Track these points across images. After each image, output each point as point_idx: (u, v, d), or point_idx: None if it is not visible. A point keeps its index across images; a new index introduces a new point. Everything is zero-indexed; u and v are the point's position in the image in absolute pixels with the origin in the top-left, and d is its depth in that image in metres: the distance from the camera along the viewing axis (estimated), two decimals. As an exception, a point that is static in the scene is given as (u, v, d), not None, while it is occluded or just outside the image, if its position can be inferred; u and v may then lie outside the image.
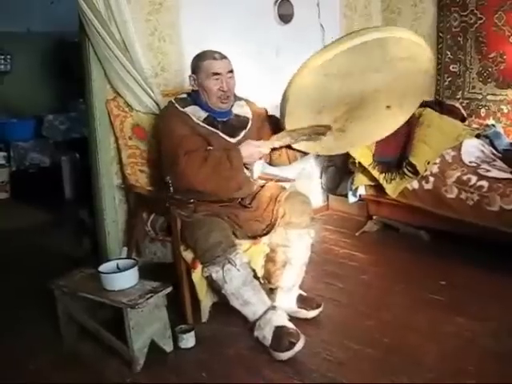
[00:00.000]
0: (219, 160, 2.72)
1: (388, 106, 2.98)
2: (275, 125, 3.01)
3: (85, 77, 3.33)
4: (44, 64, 6.74)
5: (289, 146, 3.02)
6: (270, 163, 3.18)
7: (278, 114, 2.94)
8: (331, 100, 2.81)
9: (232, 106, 2.98)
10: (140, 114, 3.33)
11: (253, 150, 2.79)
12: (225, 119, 2.93)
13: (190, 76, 2.94)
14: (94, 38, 3.09)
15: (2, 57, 6.46)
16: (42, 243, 4.33)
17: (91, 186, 3.50)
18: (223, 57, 2.88)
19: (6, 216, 5.21)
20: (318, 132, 2.93)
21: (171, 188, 2.76)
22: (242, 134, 2.95)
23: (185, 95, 2.99)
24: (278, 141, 2.90)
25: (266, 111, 3.19)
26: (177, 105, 2.91)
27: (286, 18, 4.34)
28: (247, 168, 2.87)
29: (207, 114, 2.89)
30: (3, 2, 6.08)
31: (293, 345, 2.58)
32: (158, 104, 3.28)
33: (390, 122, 3.19)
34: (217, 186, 2.77)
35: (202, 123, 2.86)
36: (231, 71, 2.89)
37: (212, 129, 2.87)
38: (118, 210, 3.43)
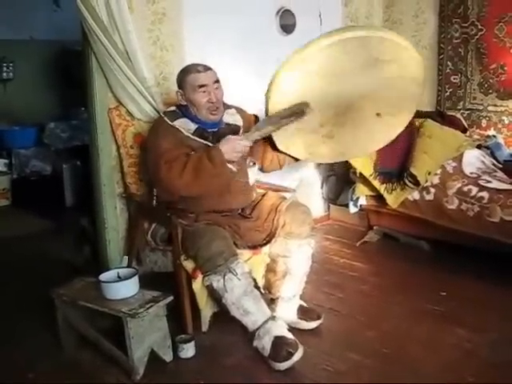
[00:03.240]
0: (199, 162, 2.67)
1: (378, 114, 2.92)
2: None
3: (87, 85, 3.35)
4: (46, 72, 6.75)
5: (278, 151, 3.02)
6: (262, 170, 3.19)
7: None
8: (315, 101, 2.77)
9: (222, 115, 2.97)
10: (142, 123, 3.34)
11: (233, 145, 2.69)
12: (215, 129, 2.92)
13: (176, 92, 2.92)
14: (96, 46, 3.11)
15: (5, 64, 6.45)
16: (42, 251, 4.32)
17: (92, 195, 3.51)
18: (207, 68, 2.87)
19: (6, 223, 5.20)
20: (296, 111, 2.78)
21: (154, 201, 2.76)
22: None
23: (174, 108, 2.98)
24: (258, 131, 2.79)
25: (257, 117, 3.19)
26: (166, 118, 2.89)
27: (287, 28, 4.35)
28: (232, 164, 2.74)
29: (197, 125, 2.88)
30: (6, 10, 6.12)
31: (291, 355, 2.57)
32: (159, 113, 3.29)
33: (383, 133, 3.13)
34: (202, 188, 2.75)
35: (192, 136, 2.85)
36: (217, 81, 2.88)
37: (202, 141, 2.85)
38: (119, 218, 3.44)
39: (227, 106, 3.04)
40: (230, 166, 2.71)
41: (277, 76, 2.64)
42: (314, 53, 2.51)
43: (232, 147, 2.69)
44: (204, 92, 2.83)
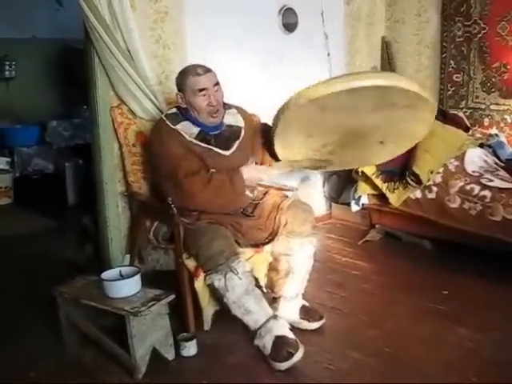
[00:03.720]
0: (222, 183, 2.76)
1: (381, 142, 2.96)
2: (267, 133, 3.01)
3: (89, 84, 3.34)
4: (48, 70, 6.75)
5: (276, 158, 3.06)
6: None
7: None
8: (322, 129, 2.81)
9: (223, 117, 2.96)
10: (144, 121, 3.33)
11: (253, 175, 2.86)
12: (217, 132, 2.92)
13: (176, 94, 2.91)
14: (98, 45, 3.10)
15: (7, 63, 6.45)
16: (44, 249, 4.32)
17: (94, 193, 3.51)
18: (207, 70, 2.84)
19: (9, 222, 5.21)
20: (317, 166, 3.02)
21: (173, 209, 2.76)
22: (236, 144, 2.94)
23: (175, 110, 2.96)
24: (277, 170, 3.00)
25: (258, 119, 3.18)
26: (168, 122, 2.88)
27: (290, 26, 4.34)
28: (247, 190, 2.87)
29: (199, 129, 2.87)
30: (9, 9, 6.13)
31: (291, 355, 2.56)
32: (162, 112, 3.28)
33: (383, 155, 3.21)
34: (218, 207, 2.83)
35: (194, 140, 2.84)
36: (217, 83, 2.86)
37: (205, 145, 2.85)
38: (121, 217, 3.43)
39: (228, 106, 3.02)
40: (247, 192, 2.85)
41: (289, 104, 2.62)
42: (331, 94, 2.48)
43: (251, 176, 2.85)
44: (204, 95, 2.82)
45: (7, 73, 6.48)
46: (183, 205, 2.78)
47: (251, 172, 2.85)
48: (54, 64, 6.77)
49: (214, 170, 2.81)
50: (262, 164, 3.13)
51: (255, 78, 4.02)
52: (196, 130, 2.87)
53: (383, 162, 3.37)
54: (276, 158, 3.06)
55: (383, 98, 2.55)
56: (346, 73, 2.61)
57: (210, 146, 2.86)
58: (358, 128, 2.79)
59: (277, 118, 2.73)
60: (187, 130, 2.86)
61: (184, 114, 2.91)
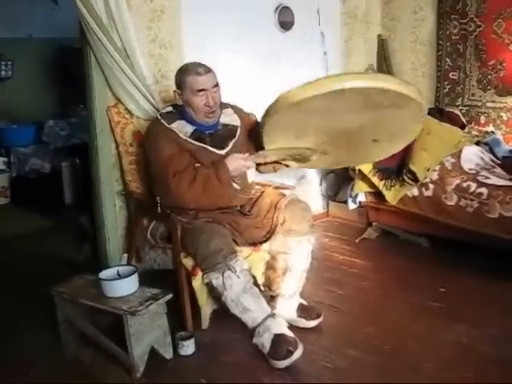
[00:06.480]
0: (208, 178, 2.75)
1: (375, 140, 2.91)
2: None
3: (86, 83, 3.35)
4: (45, 70, 6.74)
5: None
6: (258, 171, 3.19)
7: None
8: (311, 131, 2.79)
9: (219, 116, 2.96)
10: (141, 120, 3.33)
11: (239, 164, 2.81)
12: (212, 131, 2.92)
13: (174, 91, 2.91)
14: (94, 44, 3.10)
15: (3, 63, 6.44)
16: (41, 249, 4.32)
17: (91, 192, 3.51)
18: (207, 70, 2.83)
19: (6, 221, 5.21)
20: (302, 155, 2.93)
21: (159, 207, 2.79)
22: (231, 144, 2.95)
23: (170, 108, 2.97)
24: (263, 157, 2.90)
25: (255, 117, 3.18)
26: (163, 121, 2.88)
27: (286, 25, 4.35)
28: (234, 181, 2.86)
29: (194, 128, 2.88)
30: (5, 9, 6.12)
31: (290, 353, 2.57)
32: (158, 111, 3.28)
33: (378, 153, 3.17)
34: (208, 203, 2.82)
35: (189, 139, 2.85)
36: (216, 85, 2.86)
37: (200, 144, 2.86)
38: (119, 216, 3.44)
39: (224, 106, 3.03)
40: (233, 184, 2.83)
41: (273, 108, 2.57)
42: (313, 97, 2.45)
43: (237, 166, 2.81)
44: (202, 96, 2.81)
45: (3, 72, 6.47)
46: (172, 204, 2.79)
47: (236, 162, 2.80)
48: (50, 63, 6.75)
49: (198, 165, 2.82)
50: (258, 166, 3.12)
51: (251, 77, 4.02)
52: (191, 128, 2.88)
53: (382, 159, 3.33)
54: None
55: (366, 99, 2.50)
56: (334, 73, 2.54)
57: (204, 145, 2.87)
58: (348, 128, 2.76)
59: (262, 122, 2.71)
60: (182, 128, 2.87)
61: (180, 112, 2.91)
